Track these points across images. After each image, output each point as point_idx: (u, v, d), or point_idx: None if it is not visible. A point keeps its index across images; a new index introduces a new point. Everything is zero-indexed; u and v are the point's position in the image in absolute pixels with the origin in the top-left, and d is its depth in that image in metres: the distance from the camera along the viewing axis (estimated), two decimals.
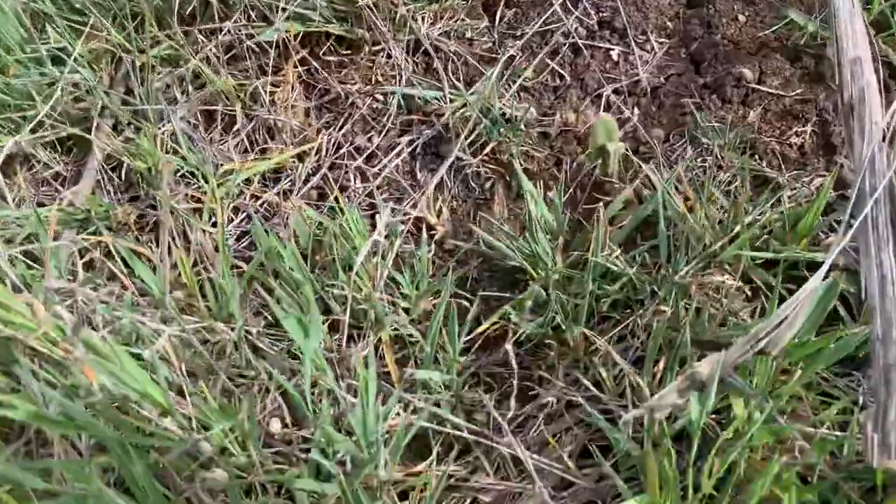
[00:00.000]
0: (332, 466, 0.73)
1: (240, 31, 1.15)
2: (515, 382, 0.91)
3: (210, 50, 1.16)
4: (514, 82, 1.14)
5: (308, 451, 0.83)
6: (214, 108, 1.16)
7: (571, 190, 1.07)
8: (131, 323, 0.76)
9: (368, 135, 1.14)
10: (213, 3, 1.15)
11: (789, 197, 0.96)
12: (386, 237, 0.99)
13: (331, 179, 1.12)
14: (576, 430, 0.89)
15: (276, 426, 0.88)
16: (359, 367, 0.78)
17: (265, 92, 1.15)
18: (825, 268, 0.71)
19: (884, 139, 0.80)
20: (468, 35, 1.20)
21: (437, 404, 0.91)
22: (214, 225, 1.11)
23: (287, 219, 1.06)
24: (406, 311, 1.00)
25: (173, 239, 1.03)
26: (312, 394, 0.82)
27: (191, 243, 1.06)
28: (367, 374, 0.75)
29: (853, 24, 0.91)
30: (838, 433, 0.80)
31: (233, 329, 0.88)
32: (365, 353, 0.76)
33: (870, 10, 1.09)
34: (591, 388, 0.89)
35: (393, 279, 0.98)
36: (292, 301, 0.88)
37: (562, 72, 1.15)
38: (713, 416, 0.85)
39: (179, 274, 0.97)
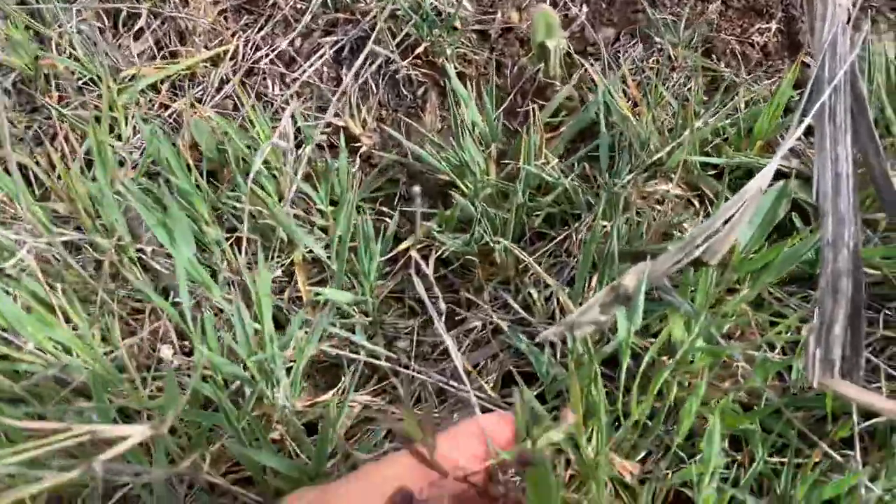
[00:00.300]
0: (216, 392, 0.65)
1: None
2: (443, 306, 0.82)
3: None
4: None
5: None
6: (118, 5, 1.04)
7: (512, 97, 0.96)
8: None
9: (290, 37, 1.03)
10: None
11: (747, 101, 0.86)
12: (298, 146, 0.88)
13: (247, 87, 1.01)
14: (502, 356, 0.81)
15: (166, 353, 0.79)
16: (249, 282, 0.69)
17: None
18: (774, 164, 0.61)
19: (848, 21, 0.69)
20: None
21: (353, 330, 0.83)
22: (120, 138, 1.00)
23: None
24: (324, 230, 0.90)
25: (64, 155, 0.92)
26: (204, 316, 0.73)
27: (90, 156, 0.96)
28: (258, 287, 0.66)
29: None
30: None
31: (119, 244, 0.79)
32: (259, 269, 0.67)
33: None
34: (520, 311, 0.80)
35: (305, 194, 0.88)
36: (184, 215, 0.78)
37: None
38: (651, 339, 0.77)
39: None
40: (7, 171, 0.78)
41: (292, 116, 0.92)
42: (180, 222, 0.60)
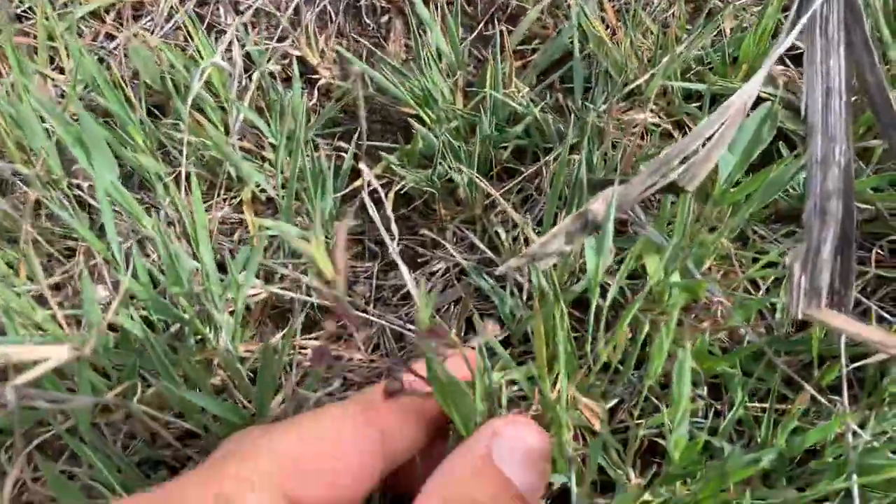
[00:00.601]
0: (140, 329, 0.59)
1: None
2: (396, 247, 0.76)
3: None
4: None
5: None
6: None
7: (481, 25, 0.89)
8: None
9: None
10: None
11: (732, 28, 0.79)
12: (248, 73, 0.81)
13: (199, 17, 0.94)
14: (466, 298, 0.75)
15: (101, 293, 0.73)
16: (185, 215, 0.63)
17: None
18: (760, 76, 0.55)
19: None
20: None
21: (305, 273, 0.77)
22: (62, 72, 0.93)
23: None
24: (273, 165, 0.83)
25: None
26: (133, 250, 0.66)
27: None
28: (194, 216, 0.60)
29: None
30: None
31: (49, 178, 0.72)
32: (193, 196, 0.61)
33: None
34: (486, 251, 0.75)
35: (256, 127, 0.81)
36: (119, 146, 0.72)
37: None
38: (627, 280, 0.71)
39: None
40: None
41: (239, 41, 0.85)
42: (98, 140, 0.54)
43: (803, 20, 0.57)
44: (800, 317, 0.47)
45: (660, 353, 0.54)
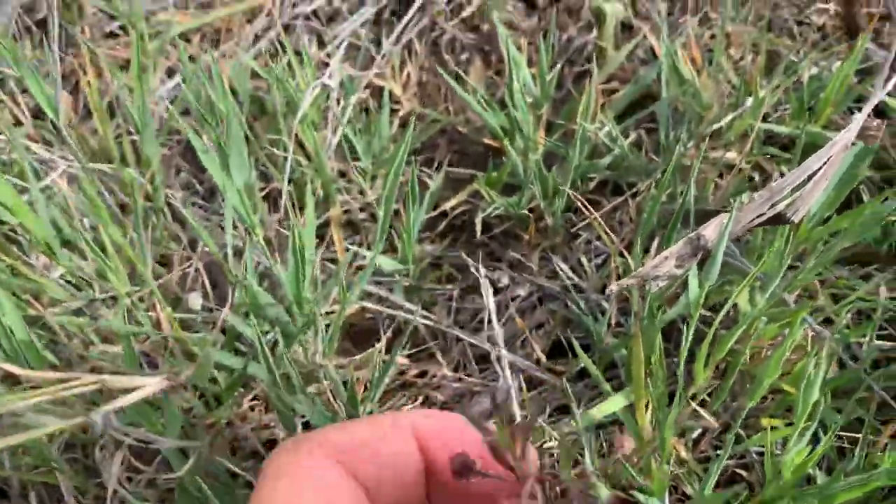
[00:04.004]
0: (254, 330, 0.60)
1: None
2: (483, 271, 0.78)
3: None
4: None
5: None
6: None
7: (560, 66, 0.93)
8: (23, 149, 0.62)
9: None
10: None
11: (809, 77, 0.83)
12: (340, 99, 0.84)
13: (283, 44, 0.98)
14: (550, 324, 0.77)
15: (195, 302, 0.74)
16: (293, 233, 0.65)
17: None
18: (863, 115, 0.58)
19: None
20: None
21: (391, 290, 0.78)
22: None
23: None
24: (360, 192, 0.86)
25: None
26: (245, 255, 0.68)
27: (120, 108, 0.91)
28: (302, 231, 0.61)
29: None
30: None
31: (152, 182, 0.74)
32: (308, 213, 0.62)
33: None
34: (571, 275, 0.77)
35: (349, 144, 0.83)
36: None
37: None
38: (708, 311, 0.73)
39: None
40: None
41: (330, 70, 0.88)
42: (238, 142, 0.56)
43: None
44: None
45: (763, 383, 0.56)
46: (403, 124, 0.93)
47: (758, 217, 0.58)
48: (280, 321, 0.63)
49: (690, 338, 0.59)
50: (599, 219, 0.69)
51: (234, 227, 0.73)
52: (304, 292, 0.63)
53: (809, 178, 0.60)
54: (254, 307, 0.62)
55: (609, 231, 0.79)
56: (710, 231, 0.58)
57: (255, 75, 0.88)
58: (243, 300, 0.61)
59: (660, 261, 0.59)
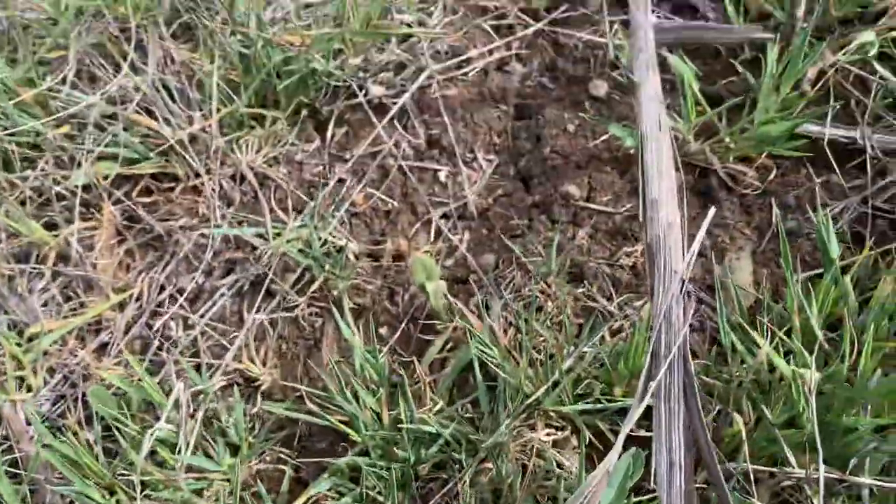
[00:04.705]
0: None
1: (47, 177, 1.08)
2: None
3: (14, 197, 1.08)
4: (342, 209, 1.09)
5: None
6: (21, 265, 1.08)
7: (404, 324, 1.01)
8: None
9: (192, 275, 1.08)
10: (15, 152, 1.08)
11: (616, 330, 0.92)
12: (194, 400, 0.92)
13: (153, 329, 1.06)
14: None
15: None
16: None
17: (75, 243, 1.07)
18: (620, 440, 0.66)
19: (681, 290, 0.76)
20: (298, 158, 1.15)
21: None
22: (30, 389, 1.03)
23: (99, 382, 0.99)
24: (227, 479, 0.93)
25: None
26: None
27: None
28: None
29: (658, 153, 0.88)
30: None
31: None
32: None
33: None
34: None
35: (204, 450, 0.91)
36: None
37: (389, 197, 1.10)
38: None
39: None
40: None
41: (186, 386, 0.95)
42: None
43: (650, 390, 0.68)
44: None
45: None
46: (267, 396, 1.00)
47: None
48: None
49: None
50: None
51: None
52: None
53: None
54: None
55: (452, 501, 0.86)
56: None
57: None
58: None
59: None
